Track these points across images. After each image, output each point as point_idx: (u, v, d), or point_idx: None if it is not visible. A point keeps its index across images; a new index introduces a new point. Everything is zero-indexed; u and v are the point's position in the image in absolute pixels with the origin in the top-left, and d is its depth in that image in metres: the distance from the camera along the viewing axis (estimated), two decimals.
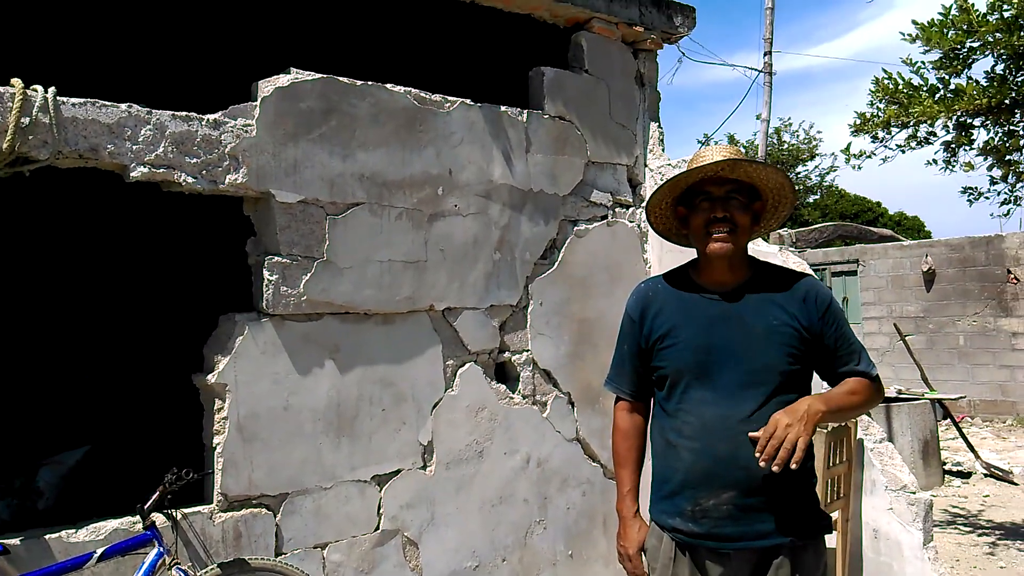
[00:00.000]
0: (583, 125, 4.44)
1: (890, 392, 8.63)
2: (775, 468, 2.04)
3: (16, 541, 2.64)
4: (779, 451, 2.04)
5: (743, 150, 4.73)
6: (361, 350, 3.47)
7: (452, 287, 3.78)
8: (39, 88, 2.72)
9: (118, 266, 6.01)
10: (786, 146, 25.06)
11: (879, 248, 12.91)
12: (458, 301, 3.81)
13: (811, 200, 25.48)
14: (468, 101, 3.89)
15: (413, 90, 3.68)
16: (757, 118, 14.45)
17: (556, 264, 4.26)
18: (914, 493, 3.72)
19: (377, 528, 3.51)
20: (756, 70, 14.26)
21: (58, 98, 2.74)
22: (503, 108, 4.03)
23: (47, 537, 2.70)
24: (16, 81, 2.68)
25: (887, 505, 3.75)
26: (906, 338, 10.01)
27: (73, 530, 2.78)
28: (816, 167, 25.44)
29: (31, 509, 3.51)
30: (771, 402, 2.20)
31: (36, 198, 5.30)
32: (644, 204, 2.53)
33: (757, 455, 2.07)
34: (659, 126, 4.91)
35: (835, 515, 3.75)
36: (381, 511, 3.53)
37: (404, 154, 3.62)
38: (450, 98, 3.82)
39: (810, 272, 2.44)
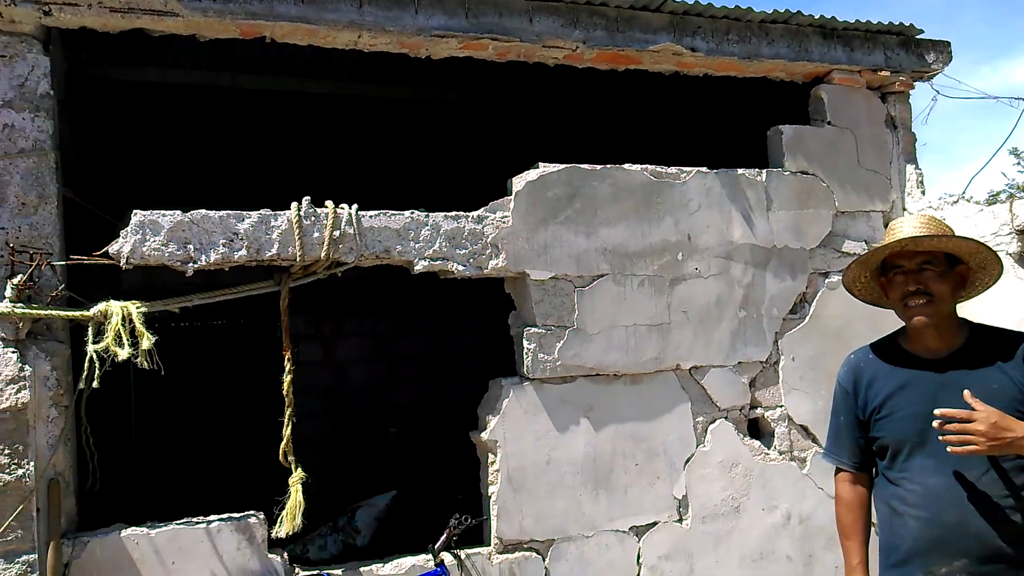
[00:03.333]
0: (828, 177, 4.44)
1: None
2: (948, 449, 2.11)
3: (339, 572, 3.29)
4: (959, 442, 2.10)
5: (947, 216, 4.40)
6: (612, 408, 3.79)
7: (697, 346, 3.97)
8: (345, 206, 3.44)
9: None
10: None
11: None
12: (704, 359, 3.99)
13: None
14: (704, 169, 4.11)
15: (649, 167, 4.00)
16: None
17: (807, 318, 4.27)
18: None
19: None
20: (1022, 99, 12.39)
21: (359, 212, 3.45)
22: (740, 171, 4.19)
23: (361, 569, 3.31)
24: (329, 203, 3.43)
25: None
26: None
27: (381, 564, 3.38)
28: None
29: (352, 545, 4.25)
30: (997, 467, 2.16)
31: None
32: (841, 281, 2.63)
33: (937, 427, 2.12)
34: (916, 167, 4.73)
35: None
36: (640, 560, 3.77)
37: (643, 226, 3.93)
38: (685, 169, 4.08)
39: None
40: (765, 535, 4.03)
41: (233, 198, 4.39)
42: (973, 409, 2.11)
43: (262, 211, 3.32)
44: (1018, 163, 22.38)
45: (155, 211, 3.17)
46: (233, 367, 6.68)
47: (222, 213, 3.26)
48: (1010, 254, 4.14)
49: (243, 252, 3.26)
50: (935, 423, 2.11)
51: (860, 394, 2.44)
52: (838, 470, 2.56)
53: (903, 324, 2.47)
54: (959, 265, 2.35)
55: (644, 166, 3.98)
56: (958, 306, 2.43)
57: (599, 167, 3.88)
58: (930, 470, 2.25)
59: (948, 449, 2.09)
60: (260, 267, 3.38)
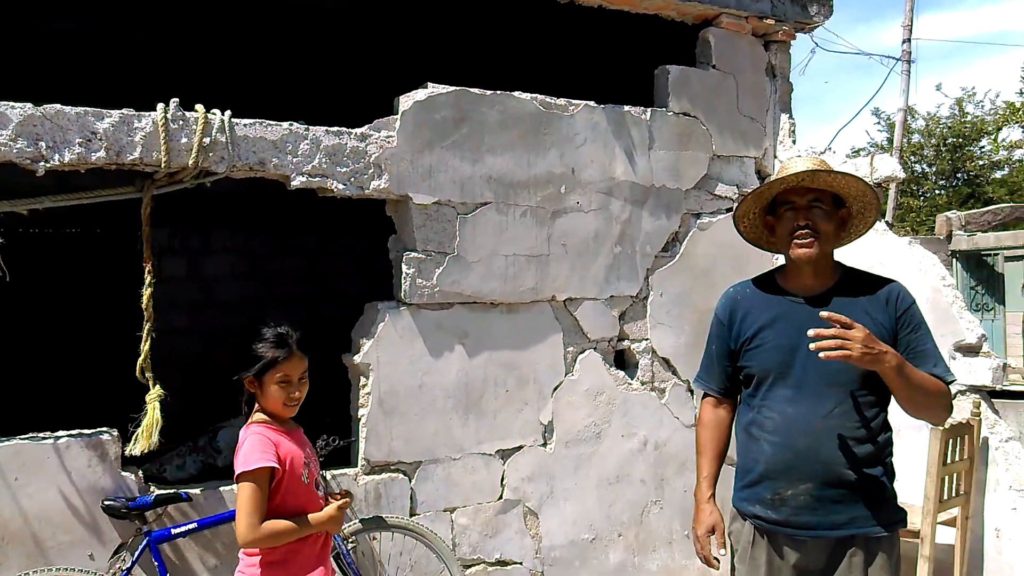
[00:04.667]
0: (709, 120, 4.55)
1: None
2: (821, 355, 2.16)
3: (197, 491, 3.21)
4: (836, 347, 2.15)
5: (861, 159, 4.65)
6: (487, 336, 3.82)
7: (573, 279, 4.05)
8: (217, 112, 3.23)
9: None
10: (969, 118, 23.15)
11: None
12: (579, 292, 4.07)
13: (997, 176, 23.39)
14: (592, 103, 4.12)
15: (539, 96, 3.97)
16: (910, 109, 13.08)
17: (677, 256, 4.42)
18: None
19: (500, 497, 3.88)
20: (894, 59, 13.09)
21: (232, 120, 3.25)
22: (626, 108, 4.23)
23: (221, 489, 3.25)
24: (199, 107, 3.21)
25: (1011, 505, 3.67)
26: None
27: None
28: (1004, 140, 23.24)
29: (212, 465, 4.15)
30: (849, 401, 2.34)
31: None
32: (732, 214, 2.71)
33: (812, 336, 2.16)
34: (790, 117, 4.92)
35: (954, 512, 3.72)
36: (504, 482, 3.89)
37: (529, 156, 3.92)
38: (574, 102, 4.07)
39: (895, 279, 2.50)
40: (623, 460, 4.23)
41: (95, 96, 4.03)
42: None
43: (125, 110, 3.07)
44: (878, 123, 23.77)
45: (2, 102, 2.88)
46: (89, 278, 6.28)
47: (79, 109, 3.00)
48: None
49: (102, 154, 3.02)
50: (811, 332, 2.17)
51: (735, 326, 2.56)
52: (705, 395, 2.72)
53: (779, 264, 2.60)
54: (841, 209, 2.48)
55: (534, 95, 3.95)
56: None
57: (489, 92, 3.81)
58: (789, 400, 2.40)
59: (821, 355, 2.16)
60: (121, 172, 3.14)
